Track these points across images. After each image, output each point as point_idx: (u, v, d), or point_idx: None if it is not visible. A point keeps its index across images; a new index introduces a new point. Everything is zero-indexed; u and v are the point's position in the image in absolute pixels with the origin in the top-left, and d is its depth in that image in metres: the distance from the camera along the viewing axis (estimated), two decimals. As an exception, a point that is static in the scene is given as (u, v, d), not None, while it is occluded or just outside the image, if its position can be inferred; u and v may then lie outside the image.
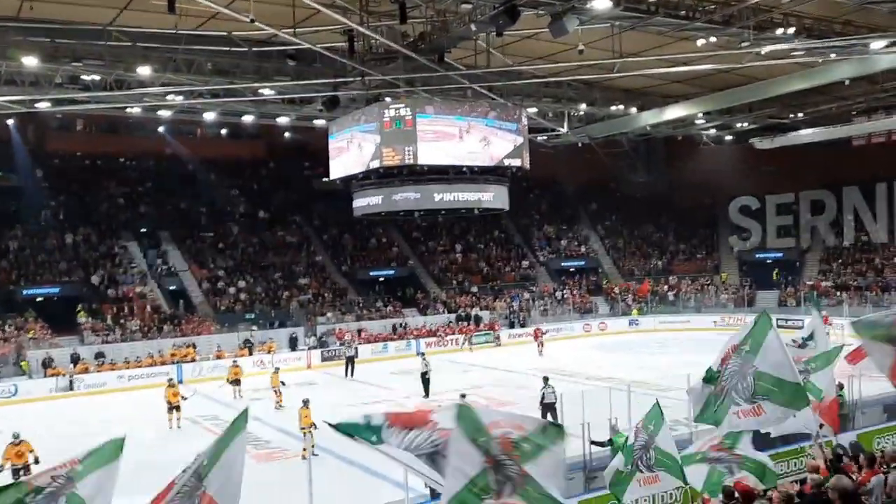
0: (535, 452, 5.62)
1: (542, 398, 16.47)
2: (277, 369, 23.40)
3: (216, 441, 5.94)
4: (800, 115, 33.19)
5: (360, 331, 32.97)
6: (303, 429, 15.72)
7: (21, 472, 13.39)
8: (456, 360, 29.28)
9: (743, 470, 8.53)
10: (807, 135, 35.02)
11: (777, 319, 32.76)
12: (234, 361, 24.92)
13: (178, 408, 19.59)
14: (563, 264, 43.37)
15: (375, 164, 23.61)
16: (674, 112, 30.55)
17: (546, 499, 5.58)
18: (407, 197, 24.57)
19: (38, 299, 31.02)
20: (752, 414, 8.13)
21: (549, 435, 5.76)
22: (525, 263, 42.92)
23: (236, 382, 23.38)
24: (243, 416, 6.05)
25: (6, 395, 24.73)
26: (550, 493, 5.59)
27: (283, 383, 21.90)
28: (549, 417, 15.30)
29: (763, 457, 8.87)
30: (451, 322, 35.12)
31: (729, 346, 8.37)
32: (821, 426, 9.38)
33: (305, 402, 16.25)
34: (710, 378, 8.43)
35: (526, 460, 5.58)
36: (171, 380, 21.26)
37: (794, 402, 8.02)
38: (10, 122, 32.49)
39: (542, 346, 30.52)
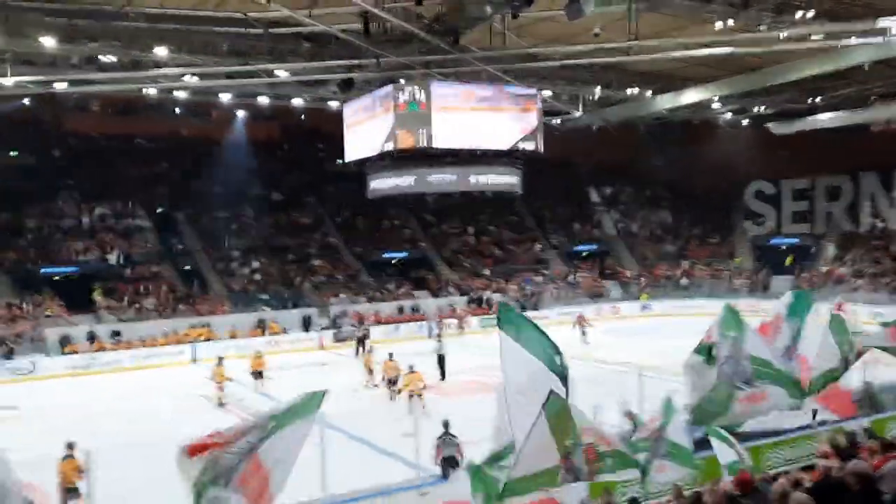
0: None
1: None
2: (371, 349, 23.55)
3: (283, 412, 6.26)
4: (818, 99, 32.82)
5: (377, 312, 33.23)
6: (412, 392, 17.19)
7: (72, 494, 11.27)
8: (470, 342, 29.40)
9: (665, 459, 8.12)
10: (825, 120, 34.63)
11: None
12: (258, 352, 22.75)
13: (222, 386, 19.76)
14: (575, 248, 43.29)
15: (389, 147, 23.53)
16: (690, 96, 30.28)
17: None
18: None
19: (56, 278, 31.38)
20: (757, 400, 8.02)
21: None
22: (538, 247, 42.88)
23: (258, 375, 21.49)
24: (316, 399, 6.35)
25: (24, 372, 25.12)
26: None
27: (371, 369, 21.95)
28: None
29: (689, 445, 8.36)
30: (452, 305, 35.15)
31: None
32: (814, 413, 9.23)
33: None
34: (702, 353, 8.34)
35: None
36: (220, 358, 21.25)
37: (793, 391, 7.84)
38: (26, 101, 32.68)
39: (586, 334, 28.92)
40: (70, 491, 11.37)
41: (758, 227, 42.42)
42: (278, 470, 6.10)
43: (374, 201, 31.13)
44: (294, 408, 6.28)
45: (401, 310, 34.31)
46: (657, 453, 8.18)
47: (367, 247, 39.30)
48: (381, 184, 25.81)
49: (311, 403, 6.30)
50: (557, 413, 6.01)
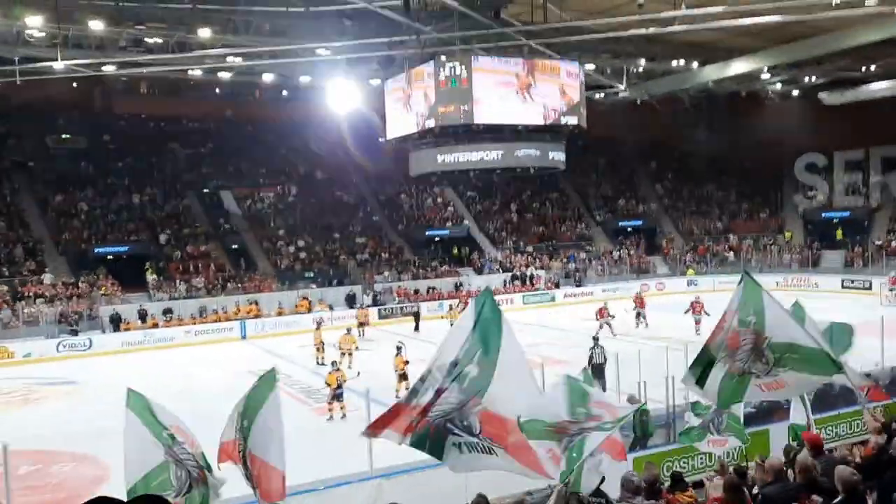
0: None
1: (591, 359, 16.29)
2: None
3: (247, 401, 6.07)
4: (872, 67, 31.72)
5: (432, 288, 33.81)
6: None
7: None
8: (512, 319, 29.41)
9: (725, 433, 8.56)
10: (879, 88, 33.48)
11: (842, 279, 32.30)
12: (348, 330, 22.69)
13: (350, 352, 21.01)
14: (620, 224, 42.83)
15: (431, 124, 23.49)
16: (738, 67, 29.52)
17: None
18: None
19: (109, 257, 32.26)
20: (775, 386, 7.53)
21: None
22: (581, 223, 42.55)
23: (348, 354, 21.20)
24: (271, 377, 6.18)
25: (82, 349, 25.99)
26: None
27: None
28: (597, 379, 14.93)
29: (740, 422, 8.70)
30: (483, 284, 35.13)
31: (725, 315, 7.04)
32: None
33: None
34: (703, 364, 7.09)
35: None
36: (319, 323, 22.85)
37: (823, 368, 7.08)
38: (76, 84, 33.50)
39: (699, 323, 24.47)
40: (401, 376, 16.90)
41: (808, 200, 41.32)
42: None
43: (417, 179, 31.22)
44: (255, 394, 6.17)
45: (458, 286, 34.46)
46: (718, 426, 8.33)
47: (411, 224, 39.47)
48: (424, 161, 25.77)
49: (265, 384, 6.21)
50: None
